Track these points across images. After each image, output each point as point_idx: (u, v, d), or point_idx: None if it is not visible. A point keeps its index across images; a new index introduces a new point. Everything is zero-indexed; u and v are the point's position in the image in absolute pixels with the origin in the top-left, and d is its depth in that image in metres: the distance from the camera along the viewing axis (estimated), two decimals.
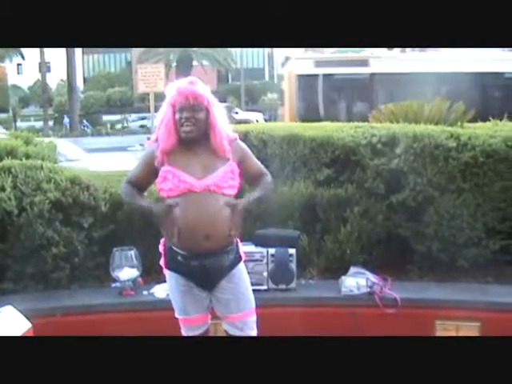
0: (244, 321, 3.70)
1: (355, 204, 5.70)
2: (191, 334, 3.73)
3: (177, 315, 3.77)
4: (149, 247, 5.48)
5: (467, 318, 4.88)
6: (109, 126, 46.48)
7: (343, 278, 5.20)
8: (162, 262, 3.76)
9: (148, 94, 14.74)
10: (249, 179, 3.80)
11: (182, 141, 3.56)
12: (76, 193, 5.48)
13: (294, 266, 5.19)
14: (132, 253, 5.24)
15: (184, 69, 48.24)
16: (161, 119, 3.62)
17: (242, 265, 3.76)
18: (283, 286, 5.15)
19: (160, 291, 5.21)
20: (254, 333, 3.73)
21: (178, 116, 3.52)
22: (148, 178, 3.71)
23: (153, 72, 13.22)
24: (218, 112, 3.62)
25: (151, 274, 5.48)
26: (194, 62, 51.37)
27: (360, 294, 5.07)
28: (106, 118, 50.31)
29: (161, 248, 3.74)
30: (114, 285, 5.38)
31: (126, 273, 5.24)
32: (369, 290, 5.08)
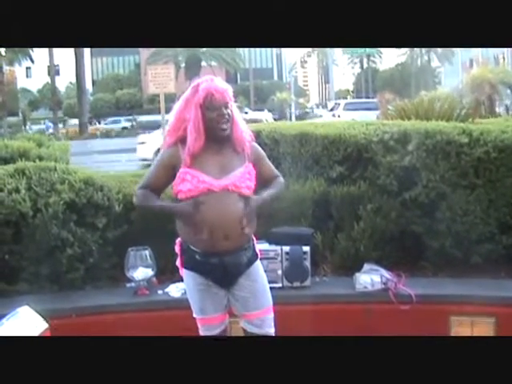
0: (262, 318, 3.70)
1: (368, 201, 5.70)
2: (209, 333, 3.71)
3: (195, 315, 3.76)
4: (163, 247, 5.50)
5: (482, 314, 4.88)
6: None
7: (357, 274, 5.21)
8: (178, 262, 3.76)
9: (158, 95, 14.75)
10: (263, 182, 3.77)
11: (207, 140, 3.55)
12: (90, 193, 5.51)
13: (308, 263, 5.21)
14: (147, 252, 5.26)
15: (193, 70, 48.33)
16: (181, 120, 3.58)
17: (258, 262, 3.77)
18: (298, 284, 5.17)
19: (175, 290, 5.24)
20: (272, 330, 3.73)
21: (212, 114, 3.49)
22: (166, 183, 3.68)
23: (163, 73, 13.18)
24: (235, 108, 3.65)
25: (165, 273, 5.51)
26: (203, 63, 51.45)
27: (374, 290, 5.08)
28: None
29: (177, 248, 3.74)
30: (128, 285, 5.41)
31: (141, 272, 5.26)
32: (383, 286, 5.08)
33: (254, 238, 3.79)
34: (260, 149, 3.80)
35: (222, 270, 3.59)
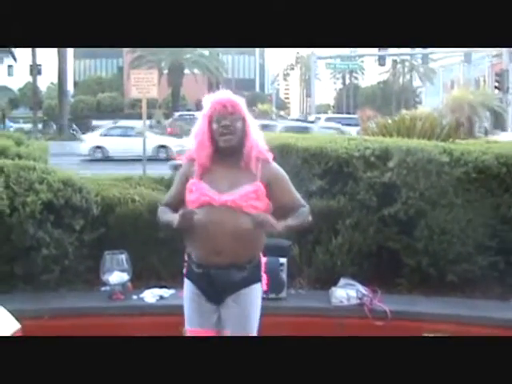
0: None
1: (347, 216, 5.71)
2: None
3: (185, 327, 3.67)
4: (139, 252, 5.49)
5: (455, 333, 4.89)
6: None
7: (333, 288, 5.21)
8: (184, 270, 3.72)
9: (140, 100, 14.72)
10: (280, 208, 3.61)
11: (216, 153, 3.55)
12: (68, 194, 5.46)
13: (284, 275, 5.20)
14: (123, 257, 5.23)
15: (175, 76, 48.35)
16: (195, 132, 3.61)
17: (256, 288, 3.63)
18: (273, 296, 5.15)
19: (150, 296, 5.21)
20: None
21: (215, 126, 3.50)
22: (181, 198, 3.64)
23: (146, 78, 13.13)
24: (253, 124, 3.62)
25: (141, 278, 5.48)
26: (186, 70, 51.46)
27: (350, 305, 5.08)
28: (95, 122, 50.27)
29: (186, 257, 3.70)
30: (103, 288, 5.37)
31: (116, 277, 5.22)
32: (359, 301, 5.09)
33: (263, 261, 3.68)
34: (280, 171, 3.69)
35: (210, 283, 3.53)
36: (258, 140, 3.61)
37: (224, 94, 3.60)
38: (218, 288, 3.54)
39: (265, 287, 3.72)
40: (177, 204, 3.68)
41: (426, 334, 4.94)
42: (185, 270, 3.69)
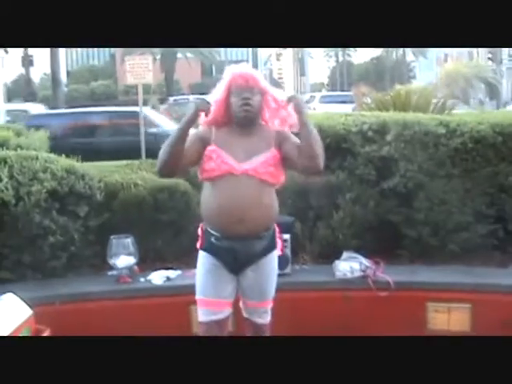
0: (255, 309, 3.81)
1: (347, 191, 5.78)
2: (205, 318, 3.69)
3: (196, 297, 3.76)
4: (144, 235, 5.57)
5: (458, 300, 5.00)
6: None
7: (337, 262, 5.29)
8: (198, 244, 3.81)
9: (133, 87, 14.62)
10: (298, 155, 3.62)
11: (233, 123, 3.68)
12: (72, 182, 5.54)
13: (288, 251, 5.28)
14: (129, 240, 5.30)
15: (168, 61, 48.20)
16: (215, 99, 3.71)
17: (273, 255, 3.81)
18: (278, 272, 5.20)
19: (157, 278, 5.29)
20: (261, 321, 3.82)
21: (234, 98, 3.62)
22: (192, 154, 3.64)
23: (141, 63, 13.11)
24: (273, 94, 3.74)
25: (147, 261, 5.57)
26: (179, 55, 51.25)
27: (354, 277, 5.17)
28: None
29: (199, 231, 3.80)
30: (110, 273, 5.45)
31: (123, 260, 5.30)
32: (362, 273, 5.17)
33: (277, 228, 3.85)
34: (285, 131, 3.76)
35: (233, 254, 3.64)
36: (278, 109, 3.75)
37: (245, 68, 3.73)
38: (240, 260, 3.66)
39: (280, 252, 3.91)
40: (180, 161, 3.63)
41: (429, 303, 5.06)
42: (199, 244, 3.78)
